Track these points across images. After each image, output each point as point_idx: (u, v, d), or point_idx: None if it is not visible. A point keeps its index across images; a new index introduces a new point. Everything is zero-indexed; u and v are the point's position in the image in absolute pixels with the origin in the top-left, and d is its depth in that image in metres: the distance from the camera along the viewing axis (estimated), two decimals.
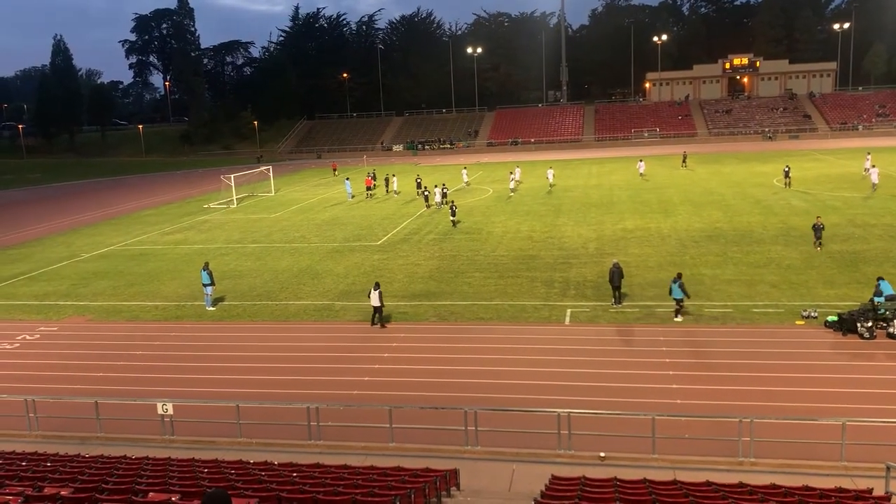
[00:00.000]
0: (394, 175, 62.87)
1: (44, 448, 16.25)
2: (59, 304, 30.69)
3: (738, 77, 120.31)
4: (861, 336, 21.59)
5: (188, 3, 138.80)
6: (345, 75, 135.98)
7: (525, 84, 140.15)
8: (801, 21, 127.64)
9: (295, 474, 12.95)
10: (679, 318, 24.13)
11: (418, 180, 58.62)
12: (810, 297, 25.30)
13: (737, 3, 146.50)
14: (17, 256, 41.89)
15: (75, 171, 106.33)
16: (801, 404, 17.48)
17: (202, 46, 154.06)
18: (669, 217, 42.46)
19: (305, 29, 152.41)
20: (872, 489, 11.89)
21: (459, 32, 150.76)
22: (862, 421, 15.62)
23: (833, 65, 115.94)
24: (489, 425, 16.60)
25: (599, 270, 30.36)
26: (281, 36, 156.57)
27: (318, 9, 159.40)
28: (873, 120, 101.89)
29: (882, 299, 22.21)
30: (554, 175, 60.01)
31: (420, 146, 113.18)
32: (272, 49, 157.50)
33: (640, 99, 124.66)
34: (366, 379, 20.76)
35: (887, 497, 11.68)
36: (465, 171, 64.52)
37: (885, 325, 21.86)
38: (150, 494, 10.74)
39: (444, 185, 54.37)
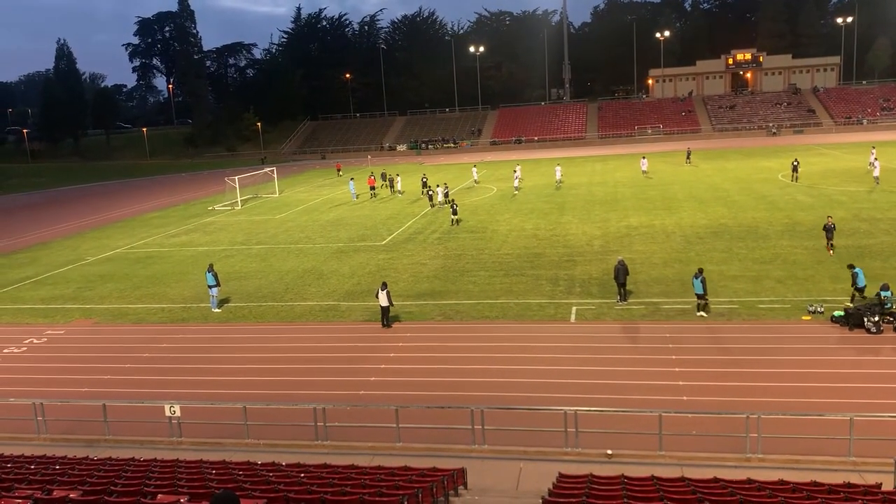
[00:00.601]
0: (397, 174, 62.90)
1: (52, 451, 16.31)
2: (65, 308, 30.79)
3: (741, 72, 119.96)
4: (868, 331, 21.52)
5: (189, 6, 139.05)
6: (347, 76, 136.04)
7: (528, 82, 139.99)
8: (804, 15, 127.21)
9: (302, 475, 12.97)
10: (701, 314, 23.98)
11: (424, 179, 58.65)
12: (816, 292, 25.23)
13: None
14: (23, 260, 42.03)
15: (80, 174, 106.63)
16: (808, 400, 17.44)
17: (206, 49, 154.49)
18: (674, 214, 42.38)
19: (308, 30, 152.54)
20: (881, 484, 11.84)
21: (462, 31, 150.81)
22: (870, 416, 15.57)
23: (837, 59, 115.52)
24: (496, 424, 16.60)
25: (604, 268, 30.33)
26: (283, 37, 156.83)
27: (320, 9, 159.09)
28: (878, 114, 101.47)
29: (888, 293, 22.14)
30: (562, 172, 60.11)
31: (423, 146, 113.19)
32: (274, 50, 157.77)
33: (644, 96, 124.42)
34: (372, 379, 20.78)
35: None
36: (474, 170, 65.59)
37: (892, 319, 21.78)
38: (159, 496, 10.78)
39: (445, 184, 54.39)
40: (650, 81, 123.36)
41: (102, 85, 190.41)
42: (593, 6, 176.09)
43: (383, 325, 25.12)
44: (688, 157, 69.12)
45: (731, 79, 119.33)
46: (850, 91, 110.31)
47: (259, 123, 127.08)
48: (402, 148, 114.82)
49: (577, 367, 20.55)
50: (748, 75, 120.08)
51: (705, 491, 11.16)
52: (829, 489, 11.37)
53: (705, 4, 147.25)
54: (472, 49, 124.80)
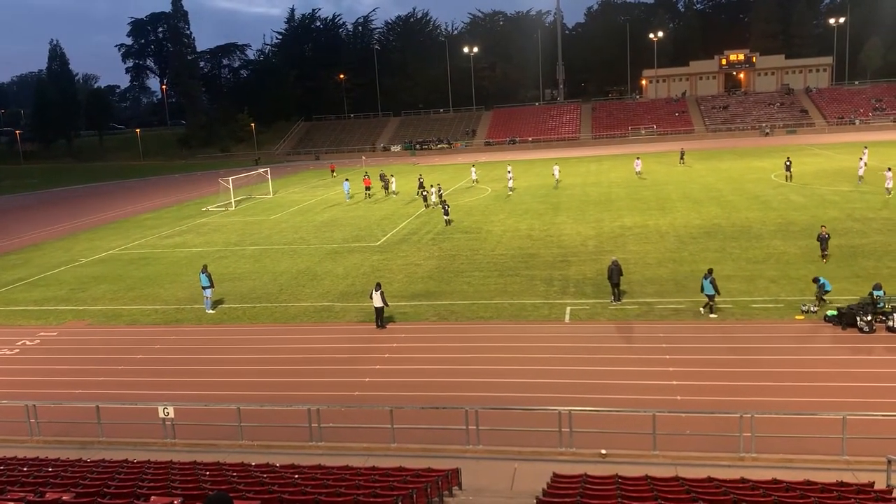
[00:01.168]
0: (391, 175, 62.89)
1: (45, 453, 16.26)
2: (58, 310, 30.68)
3: (734, 73, 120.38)
4: (861, 330, 21.61)
5: (183, 7, 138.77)
6: (341, 76, 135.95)
7: (522, 83, 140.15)
8: (796, 16, 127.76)
9: (297, 476, 12.95)
10: (714, 315, 23.94)
11: (420, 180, 58.68)
12: (810, 291, 25.28)
13: None
14: (16, 262, 41.86)
15: (73, 175, 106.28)
16: (801, 399, 17.51)
17: (200, 49, 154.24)
18: (668, 214, 42.48)
19: (301, 31, 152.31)
20: (874, 483, 11.90)
21: (455, 32, 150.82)
22: (862, 415, 15.62)
23: (829, 59, 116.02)
24: (490, 424, 16.61)
25: (598, 268, 30.37)
26: (277, 38, 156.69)
27: (313, 10, 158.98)
28: (870, 114, 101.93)
29: (881, 293, 22.24)
30: (560, 171, 60.53)
31: (418, 146, 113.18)
32: (268, 51, 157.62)
33: (637, 96, 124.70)
34: (367, 380, 20.76)
35: (889, 490, 11.68)
36: (473, 170, 66.28)
37: (884, 318, 21.87)
38: (153, 498, 10.75)
39: (439, 185, 54.42)
40: (644, 82, 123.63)
41: (96, 86, 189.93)
42: (587, 7, 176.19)
43: (377, 326, 25.10)
44: (681, 158, 69.31)
45: (725, 79, 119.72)
46: (843, 91, 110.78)
47: (253, 124, 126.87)
48: (396, 149, 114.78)
49: (572, 367, 20.57)
50: (741, 76, 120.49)
51: (699, 490, 11.19)
52: (823, 488, 11.42)
53: (698, 5, 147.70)
54: (466, 49, 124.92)
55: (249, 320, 27.35)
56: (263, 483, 12.00)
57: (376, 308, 25.01)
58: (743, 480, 12.21)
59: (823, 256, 29.40)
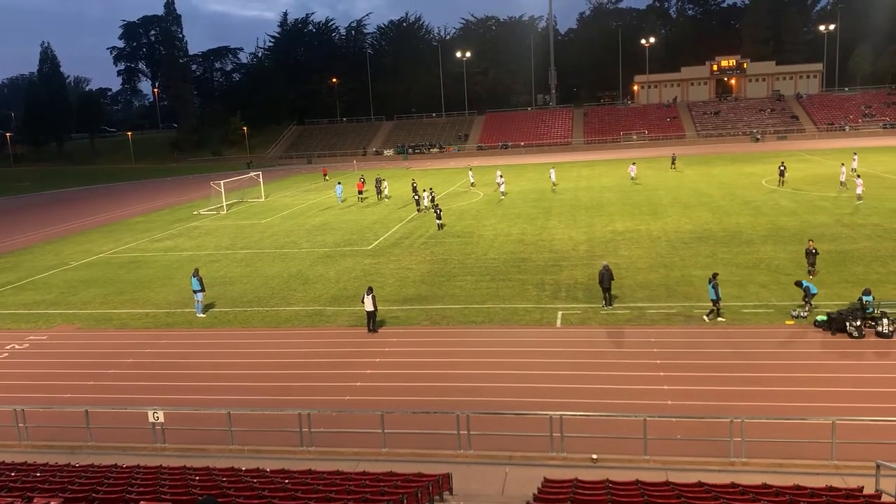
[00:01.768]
0: (383, 179, 62.89)
1: (33, 458, 16.13)
2: (48, 313, 30.50)
3: (725, 79, 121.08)
4: (850, 335, 21.72)
5: (175, 10, 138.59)
6: (334, 80, 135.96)
7: (514, 88, 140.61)
8: (787, 22, 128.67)
9: (287, 481, 12.91)
10: (722, 319, 23.93)
11: (414, 184, 58.66)
12: (800, 296, 25.40)
13: (723, 4, 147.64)
14: (4, 265, 41.60)
15: (64, 178, 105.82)
16: (791, 404, 17.57)
17: (195, 52, 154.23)
18: (659, 219, 42.62)
19: (294, 34, 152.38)
20: (863, 487, 11.95)
21: (448, 37, 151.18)
22: (852, 419, 15.71)
23: (819, 66, 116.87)
24: (481, 429, 16.60)
25: (590, 272, 30.43)
26: (270, 42, 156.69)
27: (306, 14, 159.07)
28: (860, 120, 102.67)
29: (870, 298, 22.36)
30: (556, 175, 61.06)
31: (410, 150, 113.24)
32: (261, 55, 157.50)
33: (629, 101, 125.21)
34: (358, 384, 20.72)
35: (877, 495, 11.74)
36: (471, 173, 66.83)
37: (873, 323, 22.00)
38: (142, 503, 10.69)
39: (431, 189, 54.46)
40: (635, 87, 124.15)
41: (87, 89, 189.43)
42: (579, 12, 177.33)
43: (369, 330, 25.07)
44: (673, 163, 69.60)
45: (716, 85, 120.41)
46: (833, 98, 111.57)
47: (245, 128, 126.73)
48: (388, 153, 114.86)
49: (563, 372, 20.59)
50: (732, 82, 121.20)
51: (689, 495, 11.22)
52: (812, 493, 11.46)
53: (690, 11, 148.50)
54: (458, 54, 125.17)
55: (240, 324, 27.26)
56: (253, 488, 11.96)
57: (368, 312, 24.99)
58: (733, 485, 12.24)
59: (810, 273, 28.29)
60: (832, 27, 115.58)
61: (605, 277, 25.86)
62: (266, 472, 14.03)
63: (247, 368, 22.49)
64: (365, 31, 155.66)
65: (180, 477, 13.17)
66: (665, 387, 19.14)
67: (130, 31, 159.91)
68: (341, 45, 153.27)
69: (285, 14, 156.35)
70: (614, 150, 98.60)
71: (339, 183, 62.18)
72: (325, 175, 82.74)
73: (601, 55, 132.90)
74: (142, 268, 38.36)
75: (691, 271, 30.28)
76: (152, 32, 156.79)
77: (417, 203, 51.99)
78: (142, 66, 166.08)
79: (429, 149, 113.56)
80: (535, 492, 12.44)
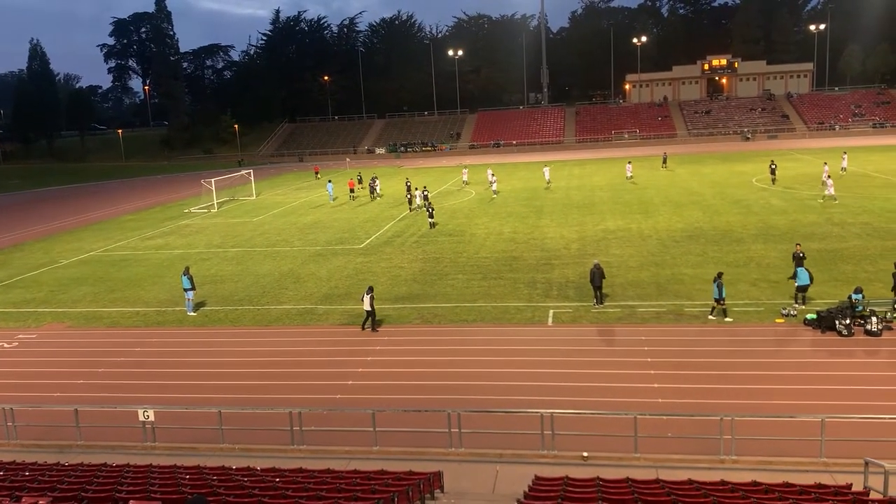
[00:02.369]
0: (375, 178, 62.80)
1: (22, 457, 16.05)
2: (37, 312, 30.33)
3: (716, 78, 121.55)
4: (839, 333, 21.84)
5: (166, 7, 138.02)
6: (326, 78, 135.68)
7: (506, 86, 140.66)
8: (778, 22, 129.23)
9: (278, 479, 12.89)
10: (729, 319, 23.87)
11: (408, 183, 58.59)
12: (789, 295, 25.54)
13: (715, 4, 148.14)
14: None
15: (54, 176, 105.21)
16: (781, 401, 17.66)
17: (187, 50, 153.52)
18: (650, 217, 42.74)
19: (286, 32, 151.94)
20: (852, 484, 12.02)
21: (440, 35, 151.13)
22: (841, 417, 15.79)
23: (810, 65, 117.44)
24: (473, 427, 16.60)
25: (581, 271, 30.49)
26: (262, 39, 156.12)
27: (298, 12, 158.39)
28: (849, 120, 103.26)
29: (860, 296, 22.50)
30: (550, 172, 61.25)
31: (402, 149, 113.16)
32: (253, 52, 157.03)
33: (620, 100, 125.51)
34: (349, 383, 20.70)
35: (866, 492, 11.82)
36: (465, 171, 66.87)
37: (862, 322, 22.13)
38: (132, 502, 10.66)
39: (424, 187, 54.41)
40: (627, 86, 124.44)
41: (77, 86, 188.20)
42: (571, 11, 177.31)
43: (363, 329, 25.03)
44: (664, 162, 69.79)
45: (707, 84, 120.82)
46: (823, 97, 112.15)
47: (236, 126, 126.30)
48: (380, 151, 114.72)
49: (554, 370, 20.63)
50: (723, 81, 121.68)
51: (679, 493, 11.26)
52: (801, 490, 11.53)
53: (681, 10, 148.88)
54: (450, 52, 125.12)
55: (231, 323, 27.19)
56: (244, 486, 11.93)
57: (366, 311, 24.91)
58: (723, 482, 12.30)
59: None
60: (822, 27, 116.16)
61: (597, 276, 25.92)
62: (257, 470, 14.00)
63: (237, 367, 22.44)
64: (357, 29, 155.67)
65: (170, 476, 13.13)
66: (655, 385, 19.20)
67: (121, 28, 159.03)
68: (333, 42, 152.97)
69: (277, 12, 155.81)
70: (606, 149, 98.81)
71: (331, 181, 62.05)
72: (316, 173, 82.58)
73: (593, 54, 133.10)
74: (132, 266, 38.18)
75: (682, 270, 30.38)
76: (143, 30, 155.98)
77: (410, 202, 51.93)
78: (132, 63, 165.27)
79: (421, 147, 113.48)
80: (526, 489, 12.47)
